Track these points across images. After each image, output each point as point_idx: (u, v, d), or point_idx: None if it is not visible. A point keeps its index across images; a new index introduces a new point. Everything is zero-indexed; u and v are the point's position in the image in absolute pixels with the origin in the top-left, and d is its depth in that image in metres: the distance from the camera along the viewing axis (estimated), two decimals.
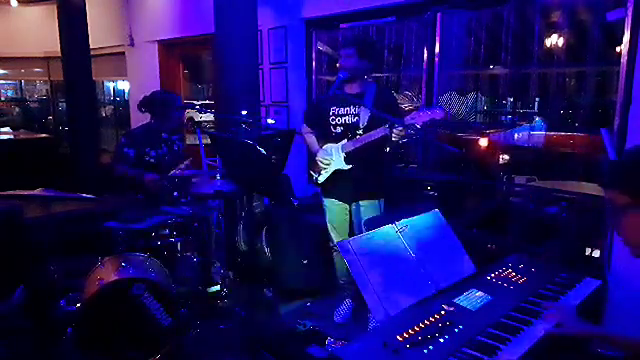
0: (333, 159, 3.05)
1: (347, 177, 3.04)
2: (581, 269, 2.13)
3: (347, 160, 3.01)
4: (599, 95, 3.35)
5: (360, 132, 2.97)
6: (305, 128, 3.29)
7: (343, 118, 3.07)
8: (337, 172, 3.07)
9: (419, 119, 2.66)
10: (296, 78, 4.99)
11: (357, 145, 2.95)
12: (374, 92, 3.03)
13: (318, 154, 3.12)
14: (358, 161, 2.99)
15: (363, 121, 2.99)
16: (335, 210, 3.22)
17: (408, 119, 2.69)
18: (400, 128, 2.70)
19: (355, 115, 3.04)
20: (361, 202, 3.09)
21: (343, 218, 3.21)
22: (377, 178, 3.11)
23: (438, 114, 2.63)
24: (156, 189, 3.29)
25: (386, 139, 2.86)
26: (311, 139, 3.22)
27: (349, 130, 3.03)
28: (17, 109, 11.46)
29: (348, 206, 3.16)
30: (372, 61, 3.11)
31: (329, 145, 3.08)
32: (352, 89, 3.05)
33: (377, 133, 2.83)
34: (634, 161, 1.30)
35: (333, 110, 3.10)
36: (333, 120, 3.10)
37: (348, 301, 3.36)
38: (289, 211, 3.81)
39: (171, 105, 3.39)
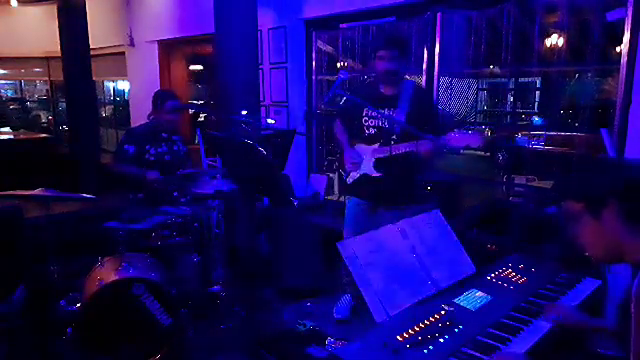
0: (362, 162, 2.93)
1: (375, 184, 2.92)
2: (581, 269, 2.12)
3: (377, 167, 2.88)
4: (599, 95, 3.35)
5: (394, 138, 2.81)
6: (338, 125, 3.15)
7: (377, 120, 2.92)
8: (365, 177, 2.95)
9: (455, 143, 2.54)
10: (296, 78, 4.99)
11: (391, 154, 2.80)
12: (411, 93, 2.86)
13: (346, 155, 2.97)
14: (389, 169, 2.84)
15: (398, 128, 2.83)
16: (356, 211, 3.09)
17: (444, 139, 2.56)
18: (430, 150, 2.58)
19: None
20: (387, 209, 2.94)
21: (363, 220, 3.06)
22: (408, 186, 2.97)
23: (476, 142, 2.51)
24: (158, 187, 3.28)
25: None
26: (344, 137, 3.08)
27: (382, 134, 2.88)
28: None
29: (373, 210, 3.03)
30: (409, 58, 2.99)
31: (361, 146, 2.97)
32: (388, 90, 2.90)
33: (403, 147, 2.70)
34: (586, 170, 1.40)
35: (366, 111, 2.94)
36: (366, 121, 2.96)
37: (347, 297, 3.33)
38: (289, 211, 3.81)
39: (159, 105, 3.37)
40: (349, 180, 3.04)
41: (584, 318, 1.69)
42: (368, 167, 2.93)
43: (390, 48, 2.81)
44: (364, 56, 4.49)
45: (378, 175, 2.90)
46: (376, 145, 2.91)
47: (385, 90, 2.93)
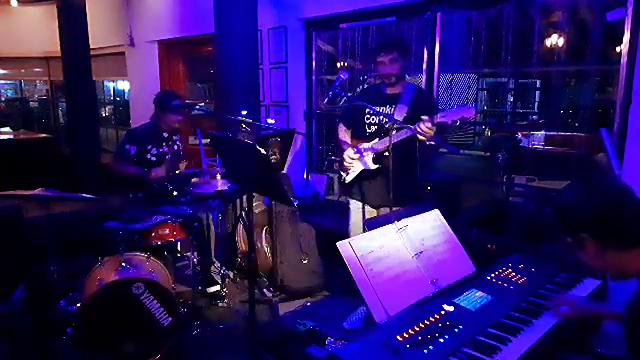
0: (360, 158, 2.97)
1: (373, 178, 2.96)
2: (581, 269, 2.12)
3: (375, 160, 2.94)
4: (599, 95, 3.35)
5: (393, 133, 2.86)
6: (342, 127, 3.21)
7: (378, 117, 2.99)
8: (364, 172, 2.99)
9: (448, 117, 2.58)
10: (296, 78, 4.99)
11: (382, 146, 2.87)
12: (412, 94, 2.95)
13: (345, 153, 3.03)
14: (385, 162, 2.87)
15: (397, 121, 2.87)
16: (360, 213, 3.11)
17: (437, 117, 2.61)
18: (429, 125, 2.63)
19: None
20: (386, 209, 2.95)
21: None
22: (407, 185, 2.98)
23: (468, 112, 2.55)
24: (158, 187, 3.28)
25: (414, 141, 2.79)
26: (345, 138, 3.14)
27: (382, 130, 2.96)
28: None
29: (375, 211, 3.06)
30: (409, 58, 3.06)
31: (362, 144, 3.00)
32: (391, 90, 2.98)
33: (403, 133, 2.74)
34: (562, 205, 1.44)
35: (369, 109, 3.01)
36: (368, 119, 3.03)
37: (362, 309, 3.13)
38: (289, 211, 3.81)
39: (166, 106, 3.37)
40: (348, 178, 3.07)
41: (596, 306, 1.71)
42: (367, 161, 2.97)
43: (387, 52, 2.87)
44: (364, 56, 4.49)
45: (375, 167, 2.94)
46: (375, 140, 2.96)
47: (388, 90, 3.00)
